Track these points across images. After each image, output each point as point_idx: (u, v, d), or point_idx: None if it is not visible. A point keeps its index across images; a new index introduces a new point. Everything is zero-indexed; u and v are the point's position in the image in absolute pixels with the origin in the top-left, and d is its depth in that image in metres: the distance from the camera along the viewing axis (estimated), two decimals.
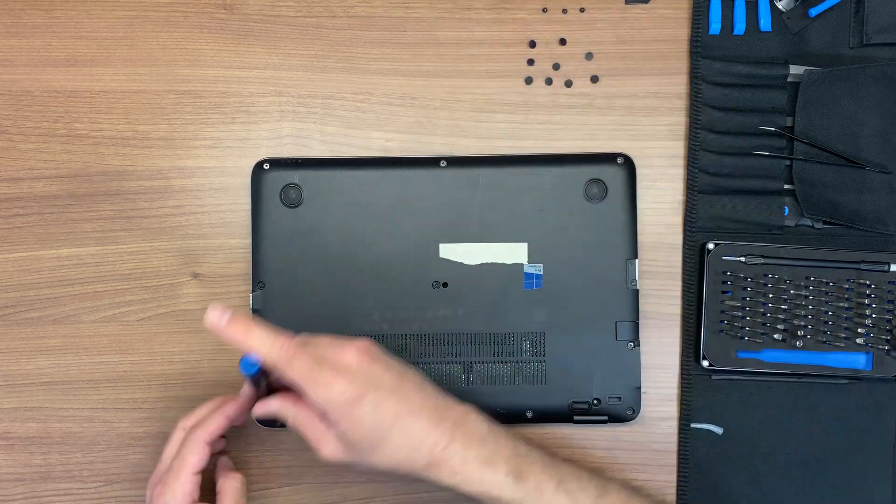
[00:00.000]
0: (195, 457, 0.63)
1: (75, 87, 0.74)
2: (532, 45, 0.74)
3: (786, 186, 0.73)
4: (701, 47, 0.73)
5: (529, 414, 0.71)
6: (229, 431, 0.66)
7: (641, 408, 0.72)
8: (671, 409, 0.73)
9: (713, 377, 0.72)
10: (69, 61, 0.74)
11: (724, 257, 0.71)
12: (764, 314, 0.71)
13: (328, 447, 0.60)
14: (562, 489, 0.60)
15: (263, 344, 0.58)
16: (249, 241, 0.72)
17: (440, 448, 0.59)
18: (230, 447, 0.72)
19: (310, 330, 0.71)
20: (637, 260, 0.71)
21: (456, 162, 0.72)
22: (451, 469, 0.59)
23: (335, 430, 0.59)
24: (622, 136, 0.74)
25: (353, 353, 0.59)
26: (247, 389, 0.64)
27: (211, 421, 0.64)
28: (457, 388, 0.71)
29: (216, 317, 0.58)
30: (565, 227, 0.72)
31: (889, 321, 0.71)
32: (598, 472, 0.64)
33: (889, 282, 0.71)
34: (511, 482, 0.59)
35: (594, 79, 0.74)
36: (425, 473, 0.59)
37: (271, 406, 0.62)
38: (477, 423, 0.61)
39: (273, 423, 0.71)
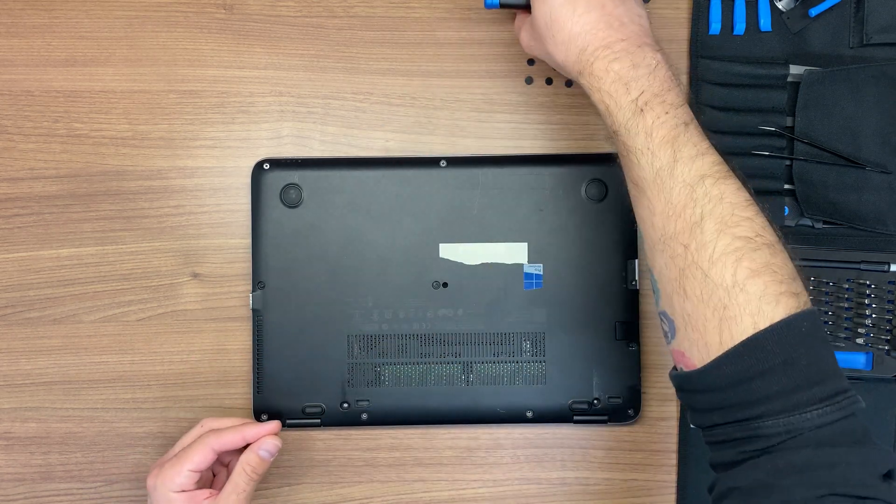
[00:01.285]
0: (199, 456, 0.63)
1: (75, 87, 0.74)
2: None
3: (786, 186, 0.73)
4: (701, 47, 0.73)
5: (529, 414, 0.71)
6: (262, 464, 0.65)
7: (641, 408, 0.72)
8: (671, 409, 0.73)
9: None
10: (69, 61, 0.74)
11: None
12: None
13: (525, 33, 0.65)
14: (671, 145, 0.55)
15: None
16: (249, 241, 0.72)
17: (593, 47, 0.58)
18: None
19: (310, 329, 0.71)
20: (637, 260, 0.71)
21: (456, 162, 0.72)
22: (591, 70, 0.58)
23: (529, 19, 0.63)
24: None
25: None
26: (271, 425, 0.65)
27: (229, 434, 0.64)
28: (457, 388, 0.71)
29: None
30: (565, 227, 0.72)
31: (889, 321, 0.71)
32: (730, 172, 0.55)
33: (889, 282, 0.71)
34: (632, 109, 0.56)
35: None
36: (571, 67, 0.60)
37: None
38: (648, 55, 0.58)
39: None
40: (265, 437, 0.65)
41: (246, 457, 0.64)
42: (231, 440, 0.64)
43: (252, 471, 0.64)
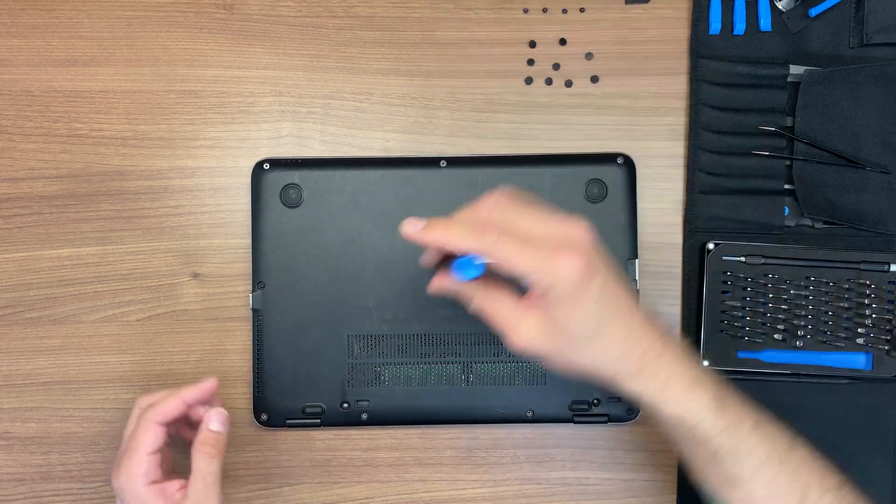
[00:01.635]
0: (147, 437, 0.60)
1: (75, 87, 0.74)
2: (532, 45, 0.74)
3: (786, 186, 0.73)
4: (701, 47, 0.73)
5: (529, 414, 0.71)
6: (191, 418, 0.64)
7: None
8: None
9: None
10: (69, 61, 0.74)
11: (724, 257, 0.71)
12: (764, 314, 0.71)
13: (526, 332, 0.52)
14: (759, 430, 0.54)
15: (467, 238, 0.51)
16: (249, 241, 0.72)
17: (653, 355, 0.52)
18: (230, 444, 0.72)
19: (310, 329, 0.71)
20: (637, 260, 0.71)
21: (456, 162, 0.72)
22: (660, 382, 0.52)
23: (546, 315, 0.51)
24: (622, 136, 0.74)
25: (582, 229, 0.51)
26: (207, 382, 0.62)
27: (166, 402, 0.61)
28: (457, 388, 0.71)
29: (411, 228, 0.52)
30: None
31: (889, 321, 0.71)
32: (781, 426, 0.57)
33: (889, 282, 0.71)
34: (713, 410, 0.52)
35: (594, 79, 0.74)
36: (629, 383, 0.52)
37: (449, 285, 0.55)
38: (678, 340, 0.54)
39: (273, 423, 0.71)
40: (211, 412, 0.62)
41: (200, 437, 0.61)
42: (170, 409, 0.61)
43: (211, 448, 0.60)
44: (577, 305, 0.50)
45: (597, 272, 0.50)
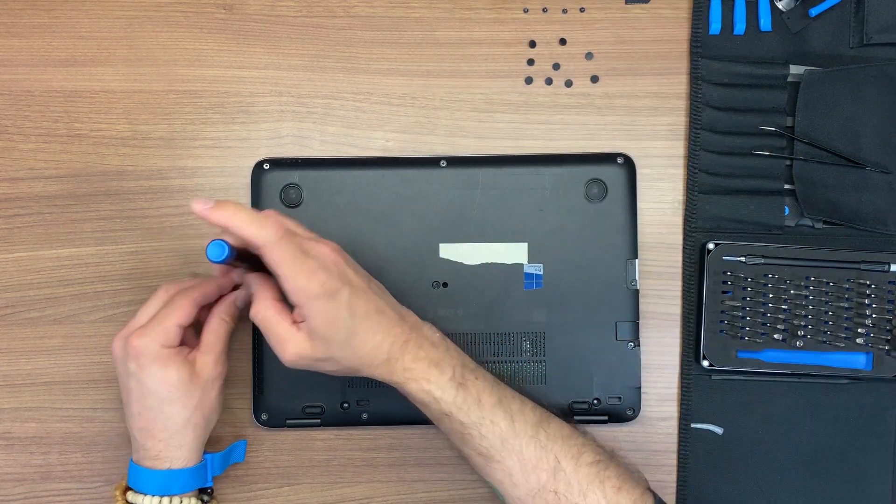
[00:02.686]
0: (182, 312, 0.63)
1: (75, 87, 0.74)
2: (532, 45, 0.74)
3: (786, 186, 0.73)
4: (701, 47, 0.73)
5: None
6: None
7: (641, 408, 0.72)
8: (671, 409, 0.73)
9: (713, 377, 0.72)
10: (69, 61, 0.74)
11: (724, 257, 0.71)
12: (764, 314, 0.71)
13: (294, 346, 0.59)
14: (501, 406, 0.61)
15: (251, 225, 0.56)
16: None
17: (399, 344, 0.61)
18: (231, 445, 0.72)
19: None
20: (637, 260, 0.71)
21: (456, 162, 0.72)
22: (403, 365, 0.61)
23: (306, 326, 0.59)
24: (622, 136, 0.74)
25: (329, 251, 0.60)
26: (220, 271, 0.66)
27: (204, 285, 0.65)
28: None
29: (200, 205, 0.56)
30: (565, 227, 0.72)
31: (889, 321, 0.71)
32: (543, 407, 0.64)
33: (889, 282, 0.71)
34: (454, 386, 0.61)
35: (594, 79, 0.74)
36: (381, 370, 0.61)
37: (240, 297, 0.65)
38: (431, 330, 0.64)
39: (273, 423, 0.71)
40: (236, 292, 0.67)
41: (221, 307, 0.66)
42: (210, 290, 0.65)
43: (226, 315, 0.66)
44: (329, 315, 0.58)
45: (343, 284, 0.58)
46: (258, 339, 0.72)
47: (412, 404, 0.72)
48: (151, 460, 0.63)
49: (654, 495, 0.62)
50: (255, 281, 0.62)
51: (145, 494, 0.63)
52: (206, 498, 0.67)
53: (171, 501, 0.63)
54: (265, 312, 0.60)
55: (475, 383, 0.62)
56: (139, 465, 0.64)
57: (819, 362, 0.71)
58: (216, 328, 0.65)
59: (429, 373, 0.61)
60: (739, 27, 0.73)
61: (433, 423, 0.72)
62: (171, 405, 0.63)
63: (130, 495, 0.64)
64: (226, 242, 0.56)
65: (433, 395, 0.61)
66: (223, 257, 0.56)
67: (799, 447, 0.72)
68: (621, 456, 0.66)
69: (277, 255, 0.57)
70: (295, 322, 0.59)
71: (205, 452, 0.67)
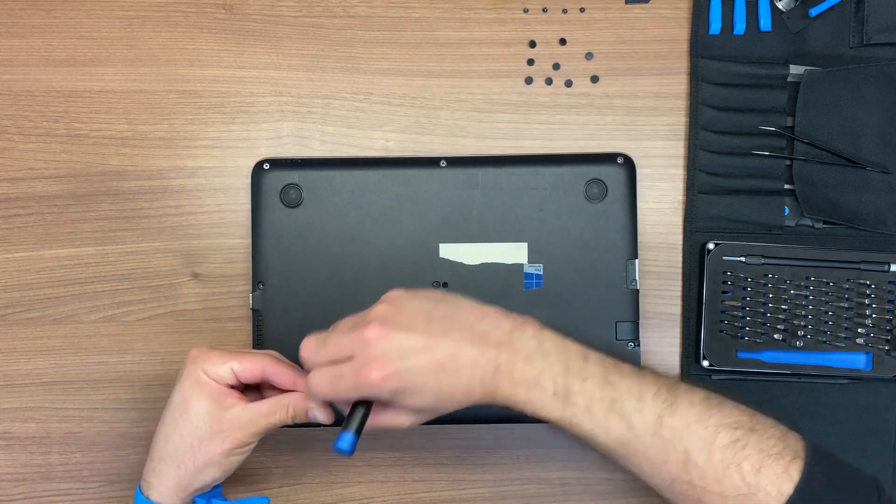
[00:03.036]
0: (250, 364, 0.61)
1: (75, 87, 0.74)
2: (532, 45, 0.74)
3: (786, 186, 0.73)
4: (701, 47, 0.73)
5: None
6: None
7: None
8: None
9: (713, 377, 0.72)
10: (69, 61, 0.74)
11: (724, 257, 0.71)
12: (764, 314, 0.71)
13: (406, 420, 0.58)
14: (615, 411, 0.56)
15: (324, 391, 0.57)
16: (249, 241, 0.72)
17: (489, 377, 0.56)
18: None
19: (310, 329, 0.71)
20: (637, 260, 0.71)
21: (456, 162, 0.72)
22: (503, 396, 0.56)
23: (400, 407, 0.57)
24: (622, 136, 0.74)
25: (370, 331, 0.56)
26: (326, 410, 0.63)
27: (287, 368, 0.62)
28: None
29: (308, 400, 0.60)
30: (565, 227, 0.72)
31: (889, 321, 0.71)
32: (671, 383, 0.57)
33: (889, 282, 0.71)
34: (559, 403, 0.56)
35: (594, 79, 0.74)
36: (487, 401, 0.57)
37: (322, 416, 0.62)
38: (523, 340, 0.57)
39: None
40: (319, 407, 0.62)
41: (295, 398, 0.61)
42: (285, 377, 0.62)
43: (291, 415, 0.61)
44: (409, 398, 0.56)
45: (399, 374, 0.55)
46: (258, 339, 0.71)
47: None
48: (143, 483, 0.62)
49: (807, 453, 0.55)
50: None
51: None
52: None
53: None
54: (374, 421, 0.59)
55: (582, 391, 0.56)
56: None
57: (819, 362, 0.71)
58: (274, 408, 0.61)
59: (529, 396, 0.56)
60: (739, 27, 0.73)
61: (433, 424, 0.72)
62: (173, 429, 0.61)
63: None
64: (351, 434, 0.58)
65: (540, 414, 0.56)
66: (353, 446, 0.58)
67: None
68: (767, 419, 0.58)
69: (347, 394, 0.57)
70: (395, 411, 0.58)
71: (216, 499, 0.64)
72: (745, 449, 0.55)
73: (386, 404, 0.58)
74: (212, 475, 0.61)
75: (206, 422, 0.60)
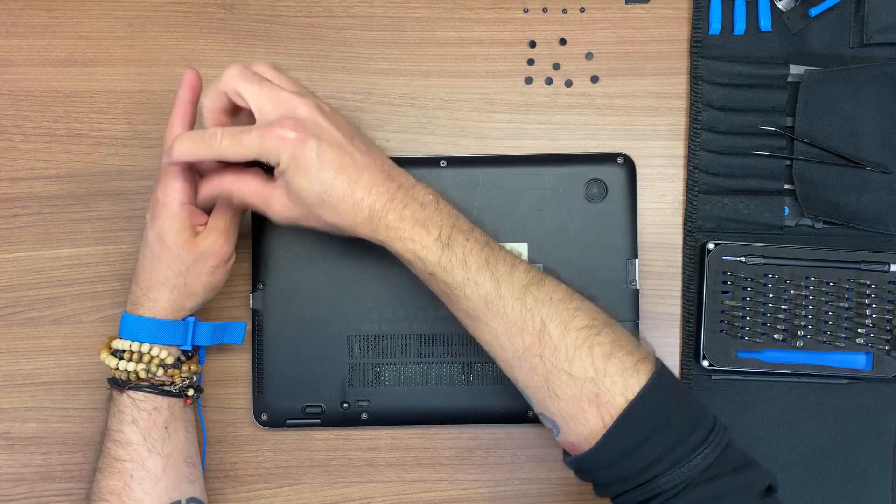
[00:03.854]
0: (176, 173, 0.63)
1: (75, 87, 0.74)
2: (532, 45, 0.74)
3: (786, 186, 0.73)
4: (701, 47, 0.73)
5: (530, 414, 0.71)
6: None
7: None
8: None
9: (713, 377, 0.72)
10: (69, 61, 0.74)
11: (724, 257, 0.71)
12: (764, 314, 0.71)
13: (277, 203, 0.61)
14: (488, 269, 0.59)
15: (198, 149, 0.60)
16: (249, 241, 0.72)
17: (381, 202, 0.59)
18: (231, 444, 0.72)
19: (310, 329, 0.71)
20: (637, 260, 0.71)
21: (456, 162, 0.72)
22: (386, 223, 0.59)
23: (285, 188, 0.60)
24: (622, 136, 0.74)
25: (305, 102, 0.60)
26: (189, 75, 0.65)
27: (175, 112, 0.64)
28: (457, 388, 0.71)
29: (167, 158, 0.61)
30: (565, 227, 0.72)
31: (889, 321, 0.71)
32: (540, 272, 0.61)
33: (889, 282, 0.71)
34: (439, 246, 0.59)
35: (594, 79, 0.74)
36: (364, 228, 0.60)
37: (213, 186, 0.63)
38: (423, 192, 0.61)
39: (273, 423, 0.71)
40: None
41: (226, 179, 0.64)
42: (179, 114, 0.64)
43: (227, 192, 0.64)
44: (300, 174, 0.58)
45: (308, 139, 0.58)
46: (258, 339, 0.71)
47: (412, 404, 0.72)
48: (131, 305, 0.65)
49: (657, 362, 0.58)
50: (228, 172, 0.63)
51: (121, 338, 0.64)
52: (182, 357, 0.66)
53: (140, 346, 0.64)
54: (243, 181, 0.62)
55: (464, 245, 0.59)
56: (124, 311, 0.65)
57: (819, 362, 0.71)
58: (221, 208, 0.65)
59: (413, 232, 0.59)
60: (739, 27, 0.73)
61: (433, 424, 0.73)
62: (158, 261, 0.64)
63: (113, 342, 0.65)
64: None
65: (417, 254, 0.59)
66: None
67: (799, 447, 0.72)
68: (621, 325, 0.60)
69: (231, 152, 0.59)
70: (273, 181, 0.61)
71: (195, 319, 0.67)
72: (599, 336, 0.57)
73: (266, 180, 0.61)
74: (206, 289, 0.66)
75: (184, 250, 0.63)
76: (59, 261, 0.73)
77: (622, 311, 0.71)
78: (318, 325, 0.71)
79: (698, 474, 0.54)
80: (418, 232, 0.59)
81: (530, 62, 0.74)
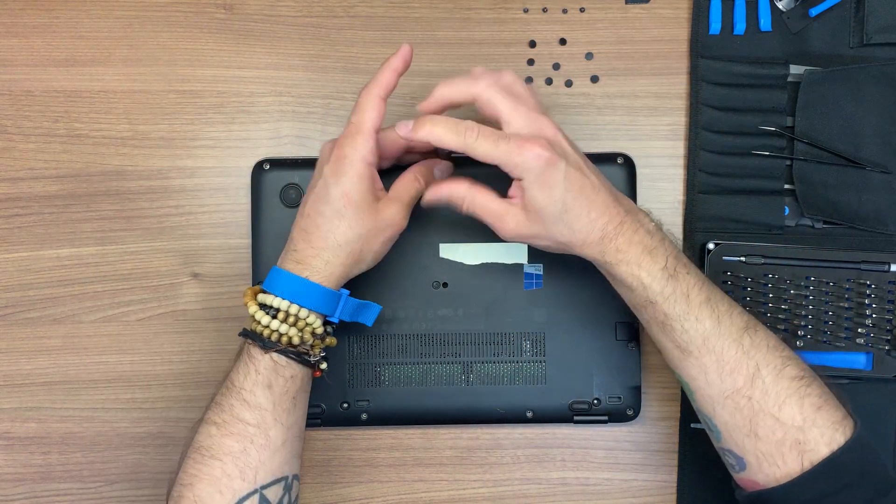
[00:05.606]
0: (373, 112, 0.62)
1: (75, 87, 0.74)
2: (532, 45, 0.74)
3: (786, 186, 0.73)
4: (701, 47, 0.73)
5: (529, 414, 0.71)
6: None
7: (641, 408, 0.72)
8: (671, 409, 0.73)
9: None
10: (69, 61, 0.74)
11: (724, 257, 0.71)
12: (764, 314, 0.71)
13: (513, 221, 0.61)
14: (709, 305, 0.59)
15: (450, 135, 0.60)
16: (249, 241, 0.72)
17: (614, 225, 0.59)
18: None
19: None
20: None
21: (456, 162, 0.72)
22: (616, 246, 0.59)
23: (520, 200, 0.60)
24: (622, 136, 0.74)
25: (549, 124, 0.60)
26: (403, 49, 0.64)
27: (381, 74, 0.63)
28: (457, 388, 0.71)
29: (404, 130, 0.61)
30: None
31: (889, 321, 0.71)
32: (753, 318, 0.61)
33: (889, 282, 0.71)
34: (665, 276, 0.59)
35: (594, 79, 0.74)
36: (592, 249, 0.60)
37: (442, 191, 0.63)
38: (647, 218, 0.62)
39: None
40: (435, 160, 0.68)
41: (419, 167, 0.66)
42: (387, 78, 0.63)
43: (423, 179, 0.65)
44: (545, 192, 0.59)
45: (558, 160, 0.58)
46: None
47: (412, 404, 0.72)
48: (295, 263, 0.61)
49: (856, 422, 0.59)
50: (463, 182, 0.62)
51: (276, 296, 0.61)
52: (329, 329, 0.64)
53: (298, 310, 0.60)
54: (478, 194, 0.62)
55: (686, 277, 0.60)
56: (281, 267, 0.62)
57: (819, 362, 0.71)
58: (407, 183, 0.64)
59: (641, 258, 0.59)
60: (739, 27, 0.73)
61: (433, 424, 0.73)
62: (340, 220, 0.61)
63: (261, 296, 0.61)
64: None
65: (642, 281, 0.59)
66: None
67: None
68: (827, 379, 0.61)
69: (483, 149, 0.59)
70: (509, 198, 0.61)
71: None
72: (809, 388, 0.58)
73: (500, 197, 0.61)
74: (372, 259, 0.64)
75: (368, 214, 0.62)
76: (59, 261, 0.73)
77: (622, 311, 0.71)
78: None
79: None
80: (646, 259, 0.59)
81: (530, 62, 0.74)
